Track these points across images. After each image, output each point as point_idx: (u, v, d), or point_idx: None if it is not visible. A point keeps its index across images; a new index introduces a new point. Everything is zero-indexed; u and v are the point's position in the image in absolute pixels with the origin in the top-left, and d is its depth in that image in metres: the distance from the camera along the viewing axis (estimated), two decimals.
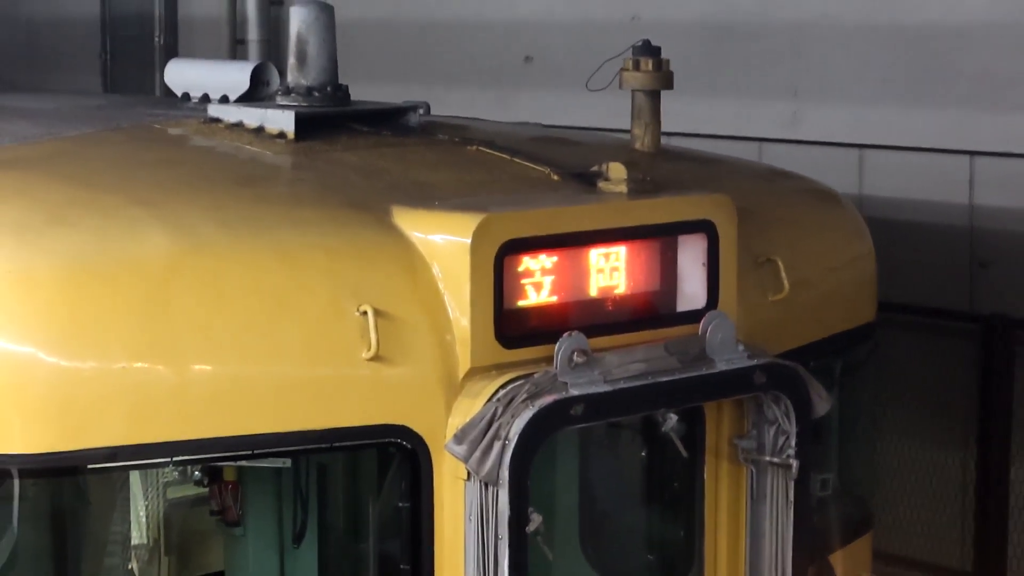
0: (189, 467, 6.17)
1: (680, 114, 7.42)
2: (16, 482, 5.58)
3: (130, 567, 6.33)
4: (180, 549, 6.51)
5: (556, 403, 5.67)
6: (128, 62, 18.13)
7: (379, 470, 5.98)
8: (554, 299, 5.91)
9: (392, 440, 5.73)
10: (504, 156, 6.78)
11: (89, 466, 5.59)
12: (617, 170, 6.30)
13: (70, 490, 5.86)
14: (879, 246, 7.72)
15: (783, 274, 6.70)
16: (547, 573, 6.04)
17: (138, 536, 6.44)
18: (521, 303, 5.84)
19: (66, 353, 5.50)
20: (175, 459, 5.84)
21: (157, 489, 6.36)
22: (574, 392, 5.72)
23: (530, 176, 6.56)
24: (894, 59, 11.68)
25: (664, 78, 6.91)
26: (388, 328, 5.66)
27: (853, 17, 11.87)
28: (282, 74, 7.15)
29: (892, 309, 7.67)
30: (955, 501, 10.26)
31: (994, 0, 11.09)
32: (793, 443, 6.25)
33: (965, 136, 11.18)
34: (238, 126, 7.00)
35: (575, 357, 5.77)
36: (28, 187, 6.42)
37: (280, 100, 6.99)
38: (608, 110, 7.56)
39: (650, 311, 6.13)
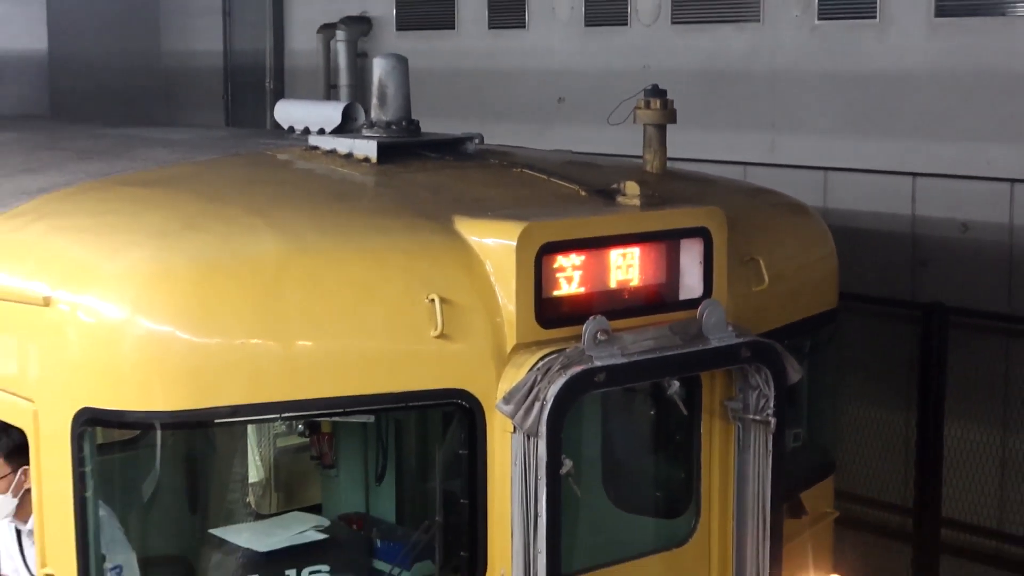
0: (294, 422, 6.18)
1: (681, 143, 7.40)
2: (158, 433, 5.64)
3: (247, 500, 6.37)
4: (286, 486, 6.53)
5: (583, 372, 5.68)
6: (244, 102, 18.14)
7: (443, 425, 5.99)
8: (582, 290, 5.90)
9: (454, 401, 5.74)
10: (542, 176, 6.78)
11: (215, 421, 5.63)
12: (632, 187, 6.29)
13: (200, 439, 5.90)
14: (840, 248, 7.70)
15: (763, 270, 6.68)
16: (576, 507, 6.02)
17: (254, 476, 6.47)
18: (556, 292, 5.84)
19: (197, 332, 5.52)
20: (283, 415, 5.90)
21: (269, 439, 6.39)
22: (598, 363, 5.73)
23: (562, 192, 6.55)
24: (851, 100, 11.63)
25: (669, 114, 6.91)
26: (451, 312, 5.67)
27: (818, 67, 11.84)
28: (367, 112, 7.16)
29: (850, 298, 7.65)
30: (900, 451, 10.21)
31: (930, 54, 11.07)
32: (771, 404, 6.23)
33: (908, 161, 11.15)
34: (332, 153, 7.02)
35: (598, 336, 5.77)
36: (167, 200, 6.44)
37: (365, 132, 7.00)
38: (624, 140, 7.53)
39: (658, 299, 6.12)
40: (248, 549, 5.90)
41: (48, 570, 5.75)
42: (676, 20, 13.03)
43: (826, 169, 11.71)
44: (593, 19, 13.81)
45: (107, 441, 5.71)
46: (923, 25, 11.22)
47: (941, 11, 11.05)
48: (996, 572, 10.27)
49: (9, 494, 6.03)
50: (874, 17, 11.55)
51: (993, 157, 10.71)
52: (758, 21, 12.41)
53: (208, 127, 13.96)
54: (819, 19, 11.94)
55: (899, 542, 10.05)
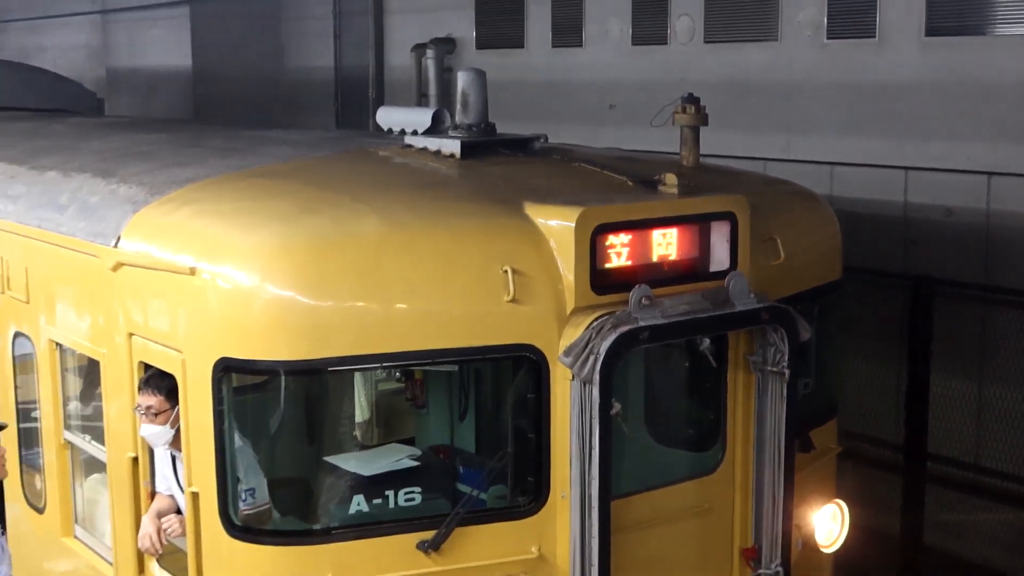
0: (392, 370, 6.22)
1: (712, 142, 7.35)
2: (282, 378, 5.72)
3: (354, 433, 6.41)
4: (386, 423, 6.56)
5: (630, 330, 5.69)
6: (351, 109, 18.18)
7: (514, 373, 5.99)
8: (629, 263, 5.89)
9: (523, 354, 5.77)
10: (596, 169, 6.77)
11: (328, 368, 5.69)
12: (671, 178, 6.28)
13: (315, 384, 5.94)
14: (843, 229, 7.65)
15: (780, 247, 6.65)
16: (623, 442, 6.03)
17: (359, 414, 6.49)
18: (607, 265, 5.84)
19: (313, 296, 5.59)
20: (383, 364, 5.96)
21: (371, 383, 6.42)
22: (642, 324, 5.73)
23: (613, 182, 6.54)
24: (854, 106, 11.55)
25: (702, 118, 6.86)
26: (520, 281, 5.69)
27: (826, 78, 11.77)
28: (452, 116, 7.16)
29: (852, 271, 7.60)
30: (892, 397, 10.14)
31: (921, 67, 10.99)
32: (786, 358, 6.21)
33: (901, 157, 11.08)
34: (423, 150, 7.04)
35: (643, 301, 5.77)
36: (288, 189, 6.48)
37: (451, 133, 7.01)
38: (665, 139, 7.50)
39: (692, 271, 6.09)
40: (355, 473, 5.96)
41: (193, 489, 5.86)
42: (708, 40, 12.99)
43: (832, 164, 11.63)
44: (639, 39, 13.78)
45: (240, 385, 5.78)
46: (915, 43, 11.14)
47: (931, 31, 10.98)
48: (973, 499, 10.21)
49: (168, 426, 6.11)
50: (874, 36, 11.47)
51: (973, 154, 10.63)
52: (776, 40, 12.35)
53: (322, 129, 14.04)
54: (827, 38, 11.87)
55: (891, 473, 9.99)
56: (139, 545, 6.35)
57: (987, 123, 10.60)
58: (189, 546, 5.95)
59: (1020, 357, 10.20)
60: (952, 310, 10.11)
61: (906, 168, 11.14)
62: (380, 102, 16.70)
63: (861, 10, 11.56)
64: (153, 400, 6.13)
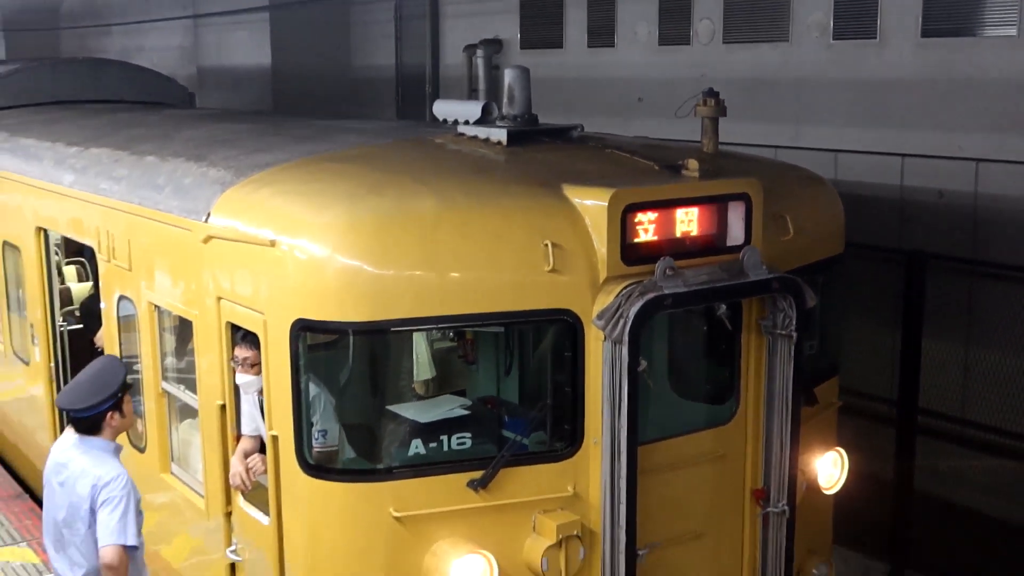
0: (446, 330, 6.25)
1: (729, 131, 7.30)
2: (351, 337, 5.77)
3: (412, 386, 6.44)
4: (441, 377, 6.57)
5: (656, 297, 5.68)
6: (410, 102, 18.22)
7: (553, 334, 6.00)
8: (655, 238, 5.88)
9: (561, 317, 5.78)
10: (626, 155, 6.75)
11: (391, 329, 5.73)
12: (692, 163, 6.24)
13: (379, 342, 5.96)
14: (846, 209, 7.59)
15: (789, 224, 6.60)
16: (648, 395, 6.03)
17: (417, 370, 6.53)
18: (636, 240, 5.83)
19: (377, 266, 5.62)
20: (439, 326, 5.99)
21: (428, 342, 6.44)
22: (666, 291, 5.72)
23: (641, 167, 6.51)
24: (856, 100, 11.50)
25: (721, 110, 6.81)
26: (560, 254, 5.70)
27: (832, 75, 11.71)
28: (499, 108, 7.15)
29: (853, 246, 7.55)
30: (888, 358, 10.08)
31: (917, 66, 10.92)
32: (793, 323, 6.18)
33: (899, 145, 11.03)
34: (474, 138, 7.03)
35: (667, 271, 5.76)
36: (355, 172, 6.52)
37: (498, 123, 6.99)
38: (687, 129, 7.46)
39: (711, 245, 6.06)
40: (413, 420, 5.99)
41: (274, 432, 5.93)
42: (726, 40, 12.95)
43: (836, 151, 11.57)
44: (664, 40, 13.75)
45: (314, 343, 5.83)
46: (912, 43, 11.07)
47: (926, 33, 10.93)
48: (958, 448, 10.16)
49: (259, 376, 6.19)
50: (875, 38, 11.40)
51: (963, 143, 10.58)
52: (787, 41, 12.29)
53: (384, 120, 14.07)
54: (833, 39, 11.81)
55: (886, 426, 9.94)
56: (231, 483, 6.45)
57: (976, 115, 10.54)
58: (270, 483, 6.03)
59: (1002, 323, 10.16)
60: (942, 281, 10.05)
61: (902, 155, 11.07)
62: (435, 96, 16.72)
63: (864, 13, 11.51)
64: (249, 353, 6.23)
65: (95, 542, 5.58)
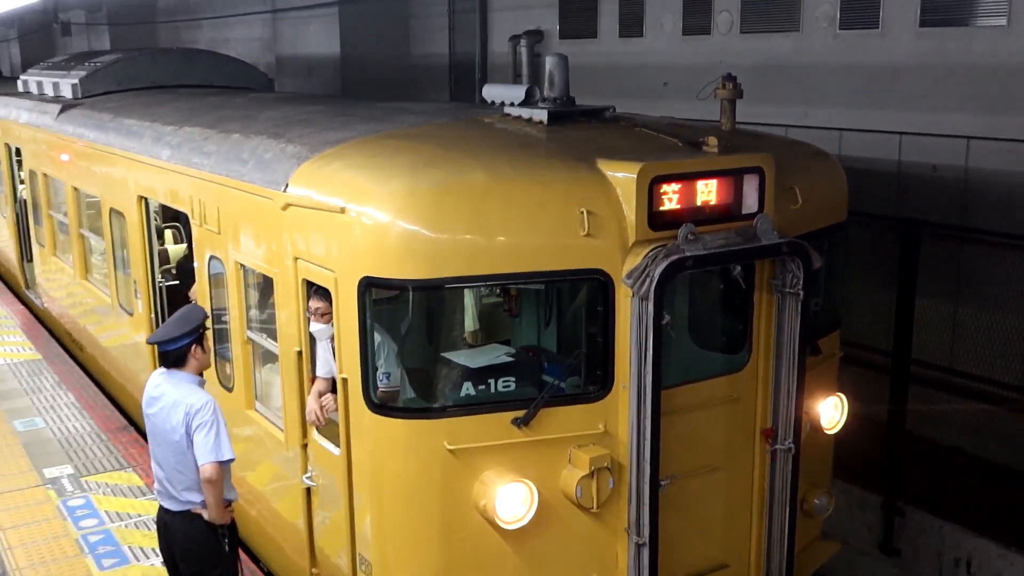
0: (493, 287, 6.26)
1: (745, 112, 7.22)
2: (410, 292, 5.79)
3: (464, 335, 6.47)
4: (488, 328, 6.62)
5: (678, 259, 5.67)
6: (463, 86, 18.16)
7: (588, 291, 5.99)
8: (678, 206, 5.84)
9: (595, 276, 5.77)
10: (653, 133, 6.69)
11: (445, 286, 5.75)
12: (712, 140, 6.18)
13: (435, 297, 5.97)
14: (849, 181, 7.50)
15: (798, 195, 6.52)
16: (671, 345, 6.01)
17: (468, 322, 6.56)
18: (661, 208, 5.80)
19: (433, 230, 5.62)
20: (486, 283, 6.01)
21: (477, 297, 6.47)
22: (688, 254, 5.70)
23: (666, 143, 6.45)
24: (860, 83, 11.37)
25: (738, 92, 6.73)
26: (594, 220, 5.69)
27: (838, 61, 11.58)
28: (540, 91, 7.11)
29: (855, 214, 7.47)
30: (885, 314, 9.99)
31: (915, 53, 10.79)
32: (801, 283, 6.15)
33: (897, 124, 10.91)
34: (518, 118, 7.00)
35: (688, 236, 5.73)
36: (414, 147, 6.50)
37: (540, 105, 6.95)
38: (708, 110, 7.38)
39: (728, 213, 6.02)
40: (464, 365, 6.02)
41: (344, 375, 5.98)
42: (743, 31, 12.84)
43: (841, 129, 11.45)
44: (688, 30, 13.64)
45: (378, 297, 5.86)
46: (911, 32, 10.93)
47: (923, 23, 10.79)
48: (945, 395, 10.09)
49: (330, 325, 6.24)
50: (877, 27, 11.25)
51: (955, 122, 10.46)
52: (798, 31, 12.16)
53: (439, 103, 14.05)
54: (839, 29, 11.67)
55: (882, 374, 9.87)
56: (307, 419, 6.52)
57: (967, 98, 10.43)
58: (340, 419, 6.09)
59: (988, 284, 10.08)
60: (934, 246, 9.95)
61: (900, 133, 10.96)
62: (484, 81, 16.67)
63: (867, 5, 11.37)
64: (321, 304, 6.28)
65: (194, 461, 5.68)
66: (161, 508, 5.89)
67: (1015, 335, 9.84)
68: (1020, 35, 10.04)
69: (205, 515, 5.75)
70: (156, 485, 5.90)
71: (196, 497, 5.73)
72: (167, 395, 5.75)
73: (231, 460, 5.76)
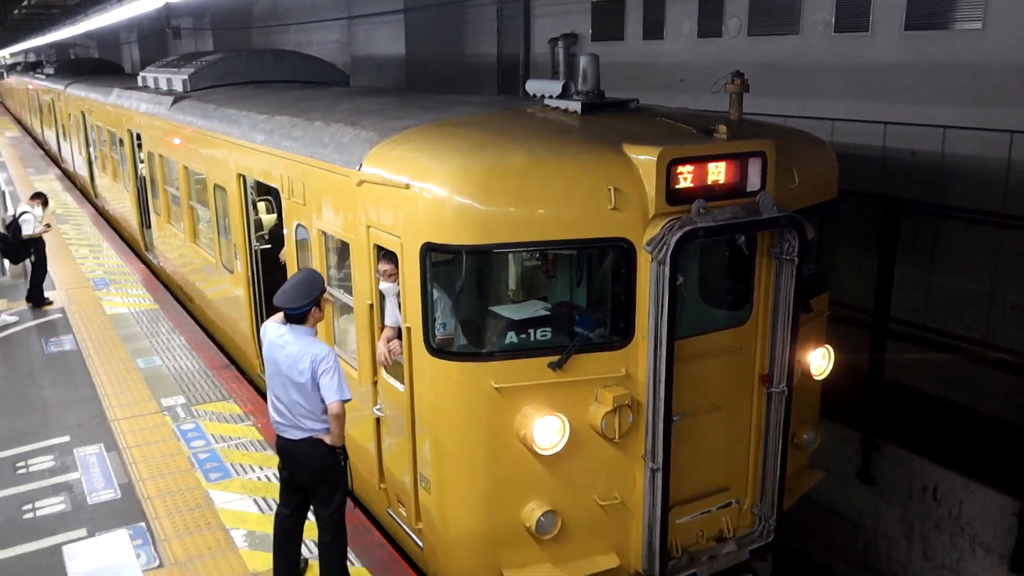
0: (533, 252, 6.24)
1: (751, 104, 7.11)
2: (464, 256, 5.77)
3: (508, 292, 6.44)
4: (528, 287, 6.58)
5: (691, 229, 5.62)
6: (508, 81, 18.06)
7: (613, 256, 5.94)
8: (692, 184, 5.77)
9: (620, 244, 5.74)
10: (671, 122, 6.60)
11: (493, 251, 5.73)
12: (722, 128, 6.08)
13: (484, 260, 5.94)
14: (839, 164, 7.38)
15: (795, 175, 6.42)
16: (683, 302, 5.97)
17: (511, 283, 6.54)
18: (677, 186, 5.73)
19: (484, 203, 5.59)
20: (528, 248, 5.95)
21: (519, 261, 6.45)
22: (700, 225, 5.65)
23: (682, 131, 6.36)
24: (851, 80, 11.15)
25: (745, 87, 6.63)
26: (620, 196, 5.63)
27: (833, 61, 11.36)
28: (575, 86, 7.05)
29: (844, 192, 7.35)
30: (868, 279, 9.86)
31: (900, 53, 10.55)
32: (796, 251, 6.08)
33: (882, 115, 10.72)
34: (556, 108, 6.94)
35: (700, 210, 5.68)
36: (467, 133, 6.46)
37: (574, 97, 6.90)
38: (718, 102, 7.29)
39: (734, 191, 5.94)
40: (508, 318, 6.03)
41: (408, 325, 6.02)
42: (750, 34, 12.61)
43: (833, 120, 11.25)
44: (702, 34, 13.42)
45: (437, 260, 5.86)
46: (897, 35, 10.68)
47: (908, 27, 10.54)
48: (918, 348, 9.99)
49: (396, 284, 6.27)
50: (867, 31, 11.00)
51: (933, 113, 10.27)
52: (798, 34, 11.92)
53: (488, 96, 14.00)
54: (834, 32, 11.43)
55: (863, 329, 9.77)
56: (378, 360, 6.57)
57: (945, 92, 10.21)
58: (404, 361, 6.14)
59: (958, 254, 9.93)
60: (912, 221, 9.81)
61: (885, 123, 10.77)
62: (527, 77, 16.60)
63: (859, 11, 11.14)
64: (388, 267, 6.30)
65: (320, 401, 5.68)
66: (282, 439, 5.84)
67: (979, 298, 9.70)
68: (992, 37, 9.80)
69: (327, 439, 5.73)
70: (277, 418, 5.83)
71: (317, 425, 5.72)
72: (291, 345, 5.72)
73: (350, 399, 5.77)
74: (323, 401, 5.68)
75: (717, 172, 5.86)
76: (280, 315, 5.88)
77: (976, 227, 9.63)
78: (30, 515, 7.20)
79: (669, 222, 5.65)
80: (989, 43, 9.81)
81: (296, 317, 5.77)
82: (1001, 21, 9.71)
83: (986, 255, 9.67)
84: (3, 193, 18.93)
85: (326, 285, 6.98)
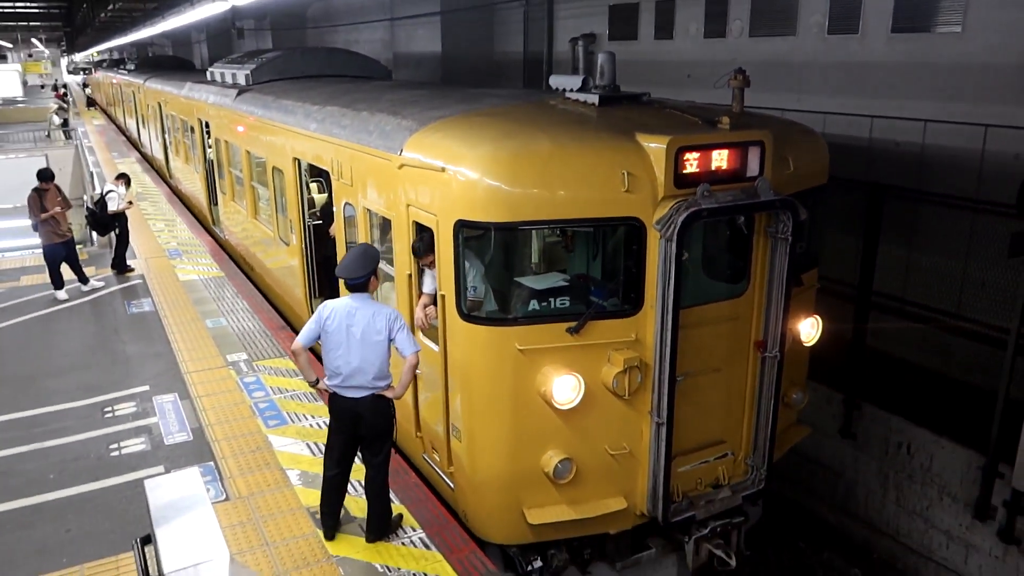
0: (554, 229, 6.17)
1: (751, 99, 6.95)
2: (492, 232, 5.72)
3: (531, 264, 6.41)
4: (548, 261, 6.53)
5: (696, 210, 5.52)
6: (533, 77, 17.84)
7: (626, 233, 5.86)
8: (697, 170, 5.66)
9: (632, 222, 5.65)
10: (679, 113, 6.47)
11: (519, 227, 5.66)
12: (725, 120, 5.96)
13: (510, 236, 5.90)
14: (829, 153, 7.22)
15: (790, 163, 6.29)
16: (688, 275, 5.90)
17: (535, 256, 6.49)
18: (684, 171, 5.62)
19: (510, 185, 5.52)
20: (549, 226, 5.89)
21: (542, 237, 6.39)
22: (704, 206, 5.54)
23: (689, 121, 6.23)
24: (841, 78, 10.89)
25: (746, 82, 6.45)
26: (632, 179, 5.54)
27: (825, 60, 11.08)
28: (593, 80, 6.92)
29: (834, 179, 7.20)
30: (853, 256, 9.70)
31: (887, 53, 10.27)
32: (790, 230, 5.95)
33: (870, 109, 10.48)
34: (576, 101, 6.83)
35: (704, 193, 5.57)
36: (496, 122, 6.34)
37: (593, 91, 6.78)
38: (722, 97, 7.13)
39: (735, 176, 5.83)
40: (531, 287, 5.98)
41: (442, 292, 5.99)
42: (752, 35, 12.32)
43: (825, 113, 11.02)
44: (708, 34, 13.14)
45: (468, 235, 5.81)
46: (884, 37, 10.40)
47: (895, 30, 10.27)
48: (899, 320, 9.84)
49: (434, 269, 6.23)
50: (857, 32, 10.72)
51: (916, 108, 10.03)
52: (795, 35, 11.64)
53: (515, 89, 13.85)
54: (828, 34, 11.14)
55: (848, 302, 9.63)
56: (415, 324, 6.56)
57: (926, 89, 9.96)
58: (439, 325, 6.13)
59: (935, 234, 9.75)
60: (895, 205, 9.62)
61: (872, 116, 10.53)
62: (550, 72, 16.36)
63: (850, 15, 10.84)
64: (430, 258, 6.24)
65: (388, 355, 5.64)
66: (344, 398, 5.71)
67: (953, 274, 9.52)
68: (970, 40, 9.52)
69: (387, 394, 5.70)
70: (339, 380, 5.71)
71: (382, 383, 5.68)
72: (362, 310, 5.64)
73: (420, 350, 5.73)
74: (389, 358, 5.64)
75: (720, 159, 5.74)
76: (334, 300, 5.82)
77: (950, 211, 9.42)
78: (116, 453, 7.30)
79: (676, 203, 5.55)
80: (967, 45, 9.53)
81: (359, 286, 5.69)
82: (979, 26, 9.43)
83: (960, 236, 9.46)
84: (92, 174, 19.06)
85: None
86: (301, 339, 5.70)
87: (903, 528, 9.10)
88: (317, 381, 5.89)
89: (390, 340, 5.63)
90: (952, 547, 8.58)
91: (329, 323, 5.73)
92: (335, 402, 5.78)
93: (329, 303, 5.84)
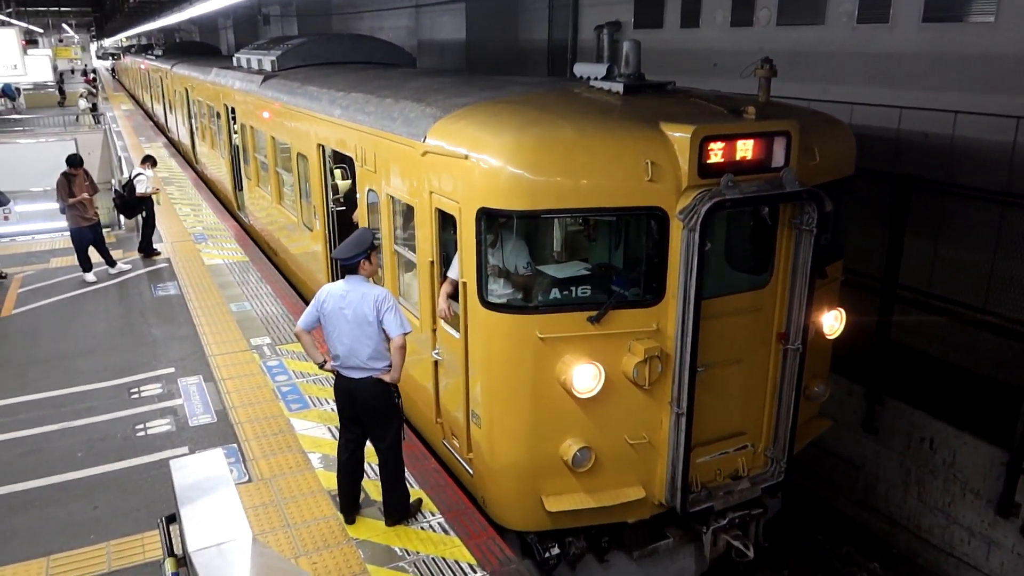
0: (577, 217, 6.14)
1: (778, 88, 6.84)
2: (515, 220, 5.71)
3: (554, 253, 6.40)
4: (571, 249, 6.50)
5: (720, 200, 5.48)
6: (557, 65, 17.73)
7: (649, 223, 5.82)
8: (722, 160, 5.61)
9: (655, 212, 5.61)
10: (704, 102, 6.41)
11: (541, 215, 5.64)
12: (751, 109, 5.89)
13: (532, 224, 5.91)
14: (857, 144, 7.10)
15: (816, 153, 6.22)
16: (710, 266, 5.82)
17: (556, 243, 6.48)
18: (709, 161, 5.57)
19: (533, 173, 5.50)
20: (571, 215, 5.87)
21: (564, 225, 6.37)
22: (728, 196, 5.49)
23: (714, 111, 6.17)
24: (870, 67, 10.71)
25: (773, 72, 6.37)
26: (656, 169, 5.50)
27: (854, 49, 10.91)
28: (618, 69, 6.85)
29: (861, 170, 7.08)
30: (879, 249, 9.56)
31: (918, 43, 10.10)
32: (815, 222, 5.88)
33: (898, 100, 10.29)
34: (600, 89, 6.79)
35: (729, 183, 5.52)
36: (520, 110, 6.32)
37: (617, 79, 6.72)
38: (748, 86, 7.03)
39: (761, 166, 5.76)
40: (553, 276, 5.98)
41: (464, 279, 5.99)
42: (779, 23, 12.16)
43: (853, 103, 10.84)
44: (735, 23, 12.98)
45: (491, 223, 5.79)
46: (915, 27, 10.21)
47: (926, 19, 10.07)
48: (922, 312, 9.70)
49: None
50: (887, 22, 10.53)
51: (945, 99, 9.82)
52: (823, 24, 11.46)
53: (539, 77, 13.78)
54: (857, 23, 10.95)
55: (874, 295, 9.51)
56: (438, 312, 6.56)
57: (957, 80, 9.77)
58: (460, 312, 6.13)
59: (962, 228, 9.60)
60: (922, 197, 9.47)
61: (900, 107, 10.34)
62: (574, 61, 16.26)
63: (880, 4, 10.65)
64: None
65: (380, 336, 5.66)
66: (343, 378, 5.81)
67: (980, 268, 9.37)
68: (1004, 30, 9.31)
69: (385, 378, 5.73)
70: (337, 362, 5.81)
71: (378, 364, 5.72)
72: (353, 292, 5.72)
73: (410, 331, 5.75)
74: (387, 339, 5.66)
75: (745, 149, 5.68)
76: (331, 283, 5.86)
77: (979, 204, 9.26)
78: (142, 433, 7.40)
79: (700, 193, 5.50)
80: (1000, 35, 9.32)
81: (349, 268, 5.74)
82: (1013, 16, 9.22)
83: (988, 230, 9.30)
84: (120, 158, 19.25)
85: (389, 243, 6.97)
86: (301, 322, 5.81)
87: (924, 523, 9.01)
88: (325, 363, 5.94)
89: (379, 321, 5.63)
90: (974, 543, 8.48)
91: (325, 306, 5.78)
92: (336, 382, 5.90)
93: (326, 286, 5.88)
